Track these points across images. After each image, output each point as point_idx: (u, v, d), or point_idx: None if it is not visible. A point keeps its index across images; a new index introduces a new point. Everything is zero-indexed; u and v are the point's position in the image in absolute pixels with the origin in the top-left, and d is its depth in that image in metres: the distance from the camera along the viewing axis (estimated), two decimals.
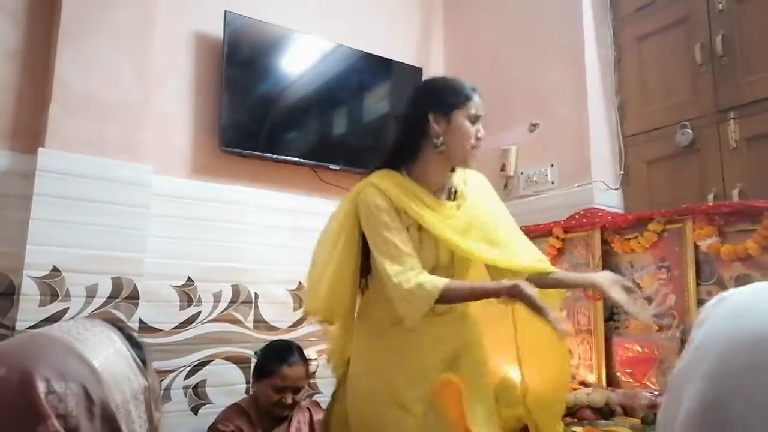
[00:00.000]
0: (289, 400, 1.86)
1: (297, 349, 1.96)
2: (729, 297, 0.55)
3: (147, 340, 2.05)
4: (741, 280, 1.79)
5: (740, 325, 0.49)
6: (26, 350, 0.58)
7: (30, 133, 1.96)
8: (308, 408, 2.01)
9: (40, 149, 1.88)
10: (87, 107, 1.97)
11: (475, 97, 1.45)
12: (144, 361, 0.64)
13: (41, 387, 0.53)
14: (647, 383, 1.94)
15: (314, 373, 2.41)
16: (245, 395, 2.13)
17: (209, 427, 1.88)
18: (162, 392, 2.08)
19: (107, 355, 0.60)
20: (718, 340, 0.50)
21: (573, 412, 1.81)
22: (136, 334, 0.68)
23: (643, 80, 2.38)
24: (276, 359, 1.90)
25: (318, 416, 2.00)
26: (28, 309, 1.80)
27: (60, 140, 1.92)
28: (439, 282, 1.30)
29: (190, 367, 2.15)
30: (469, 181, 1.55)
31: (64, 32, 1.96)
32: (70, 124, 1.94)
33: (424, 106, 1.45)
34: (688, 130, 2.16)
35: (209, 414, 2.02)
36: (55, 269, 1.86)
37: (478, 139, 1.45)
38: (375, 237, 1.38)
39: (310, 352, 2.40)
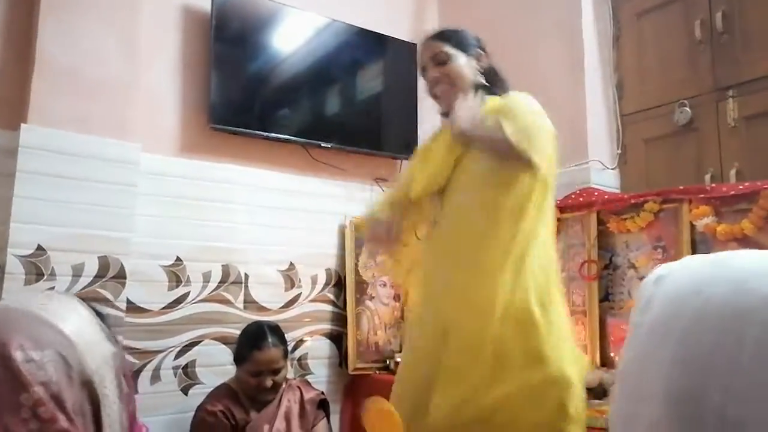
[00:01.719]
0: (269, 383, 1.84)
1: (271, 330, 1.93)
2: (670, 274, 0.51)
3: (135, 320, 2.02)
4: None
5: (701, 300, 0.45)
6: None
7: (12, 108, 1.91)
8: (298, 387, 2.01)
9: (22, 125, 1.83)
10: (71, 82, 1.92)
11: (419, 47, 1.55)
12: (109, 329, 0.63)
13: (19, 356, 0.52)
14: None
15: (305, 354, 2.40)
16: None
17: (197, 408, 1.88)
18: (151, 372, 2.06)
19: (75, 321, 0.59)
20: (678, 319, 0.46)
21: None
22: (97, 306, 0.67)
23: (642, 57, 2.34)
24: (247, 345, 1.89)
25: (309, 395, 2.00)
26: (13, 288, 1.76)
27: (43, 116, 1.87)
28: None
29: (179, 348, 2.12)
30: None
31: (48, 4, 1.89)
32: (54, 99, 1.89)
33: None
34: (687, 109, 2.13)
35: (199, 394, 2.01)
36: (40, 248, 1.82)
37: (432, 84, 1.51)
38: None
39: (300, 334, 2.39)
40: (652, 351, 0.46)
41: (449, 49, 1.48)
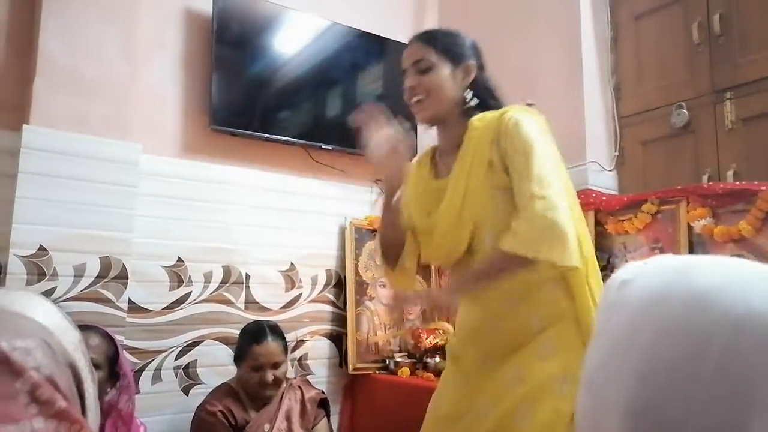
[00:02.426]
0: (270, 377, 1.87)
1: (269, 328, 1.98)
2: (635, 279, 0.50)
3: (136, 320, 2.04)
4: None
5: (663, 313, 0.45)
6: None
7: (15, 109, 1.92)
8: (299, 386, 2.02)
9: (24, 126, 1.84)
10: (72, 83, 1.93)
11: (404, 52, 1.36)
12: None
13: (5, 346, 0.52)
14: None
15: (306, 354, 2.41)
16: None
17: (198, 407, 1.89)
18: (153, 372, 2.07)
19: (43, 312, 0.60)
20: (641, 331, 0.46)
21: None
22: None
23: (640, 60, 2.35)
24: (246, 341, 1.94)
25: (309, 394, 2.01)
26: (15, 288, 1.77)
27: (45, 117, 1.88)
28: None
29: (180, 348, 2.13)
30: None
31: (49, 4, 1.91)
32: (55, 100, 1.90)
33: None
34: (684, 111, 2.14)
35: (200, 394, 2.02)
36: (41, 248, 1.83)
37: (407, 92, 1.35)
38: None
39: (301, 334, 2.40)
40: (616, 362, 0.46)
41: (433, 57, 1.30)
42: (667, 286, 0.47)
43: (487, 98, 1.34)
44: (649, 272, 0.50)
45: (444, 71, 1.31)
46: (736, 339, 0.41)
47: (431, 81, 1.31)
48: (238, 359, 1.95)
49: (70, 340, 0.60)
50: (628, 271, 0.52)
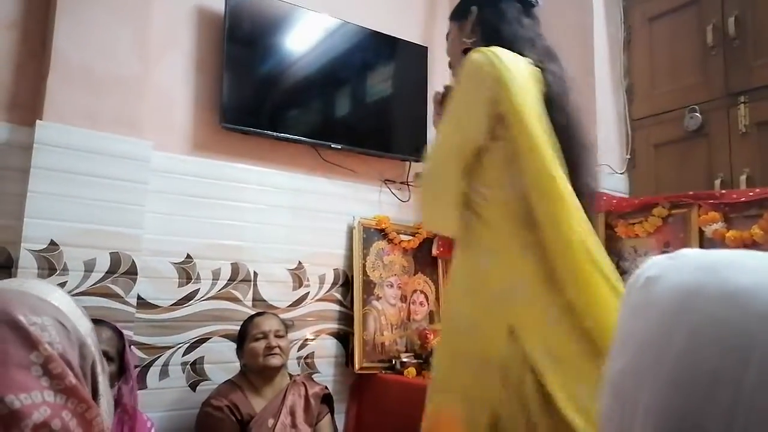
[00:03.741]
0: (274, 342, 1.93)
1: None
2: (662, 276, 0.46)
3: (145, 316, 2.05)
4: None
5: (698, 313, 0.41)
6: None
7: (28, 105, 1.95)
8: (303, 382, 2.03)
9: (38, 122, 1.86)
10: (85, 80, 1.95)
11: None
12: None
13: (24, 320, 0.55)
14: None
15: (312, 352, 2.41)
16: None
17: (203, 403, 1.90)
18: (160, 368, 2.08)
19: (57, 296, 0.62)
20: (674, 333, 0.42)
21: None
22: None
23: (653, 62, 2.33)
24: (246, 322, 2.06)
25: (313, 389, 2.02)
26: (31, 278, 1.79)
27: (58, 113, 1.90)
28: None
29: (188, 344, 2.15)
30: None
31: (63, 3, 1.93)
32: (68, 96, 1.92)
33: None
34: (697, 114, 2.12)
35: (206, 390, 2.02)
36: (53, 243, 1.85)
37: None
38: None
39: (306, 333, 2.40)
40: (647, 366, 0.44)
41: (450, 27, 1.43)
42: (699, 283, 0.43)
43: (489, 34, 1.31)
44: (678, 268, 0.46)
45: (454, 33, 1.42)
46: None
47: (449, 47, 1.44)
48: (240, 344, 2.01)
49: (83, 324, 0.62)
50: (652, 267, 0.48)
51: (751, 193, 1.78)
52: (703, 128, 2.11)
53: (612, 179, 2.30)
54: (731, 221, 1.81)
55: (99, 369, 0.63)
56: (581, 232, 1.10)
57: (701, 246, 1.86)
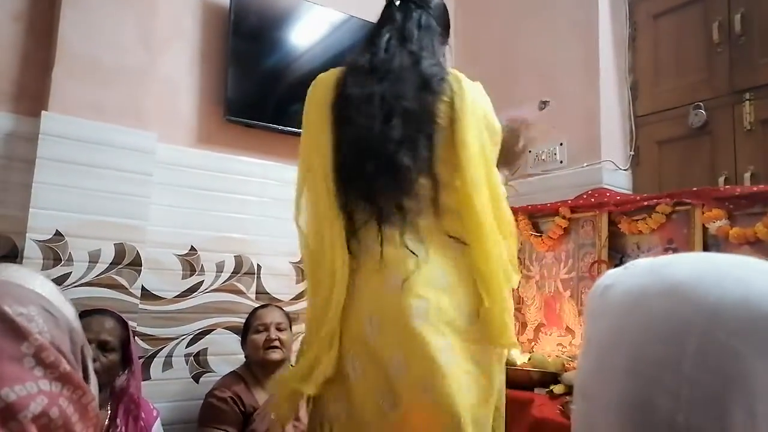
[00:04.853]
0: (275, 334, 1.94)
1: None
2: (615, 284, 0.52)
3: (149, 307, 2.06)
4: None
5: (644, 310, 0.46)
6: None
7: (34, 96, 1.95)
8: None
9: (43, 113, 1.87)
10: (90, 71, 1.95)
11: None
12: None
13: (9, 311, 0.53)
14: None
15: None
16: None
17: (207, 394, 1.91)
18: (164, 359, 2.09)
19: (39, 282, 0.61)
20: (625, 331, 0.47)
21: (570, 392, 1.81)
22: None
23: (658, 59, 2.33)
24: (250, 314, 2.07)
25: None
26: (10, 264, 1.79)
27: (63, 104, 1.90)
28: None
29: (192, 336, 2.15)
30: None
31: None
32: (74, 87, 1.92)
33: None
34: (702, 111, 2.12)
35: (210, 382, 2.03)
36: (58, 233, 1.85)
37: None
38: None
39: None
40: (606, 364, 0.48)
41: None
42: (645, 284, 0.48)
43: None
44: (628, 275, 0.51)
45: None
46: (713, 325, 0.42)
47: None
48: (244, 336, 2.02)
49: (68, 310, 0.62)
50: (608, 277, 0.53)
51: (755, 189, 1.78)
52: (708, 125, 2.11)
53: (615, 175, 2.30)
54: (735, 219, 1.81)
55: (87, 352, 0.63)
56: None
57: (705, 242, 1.86)
